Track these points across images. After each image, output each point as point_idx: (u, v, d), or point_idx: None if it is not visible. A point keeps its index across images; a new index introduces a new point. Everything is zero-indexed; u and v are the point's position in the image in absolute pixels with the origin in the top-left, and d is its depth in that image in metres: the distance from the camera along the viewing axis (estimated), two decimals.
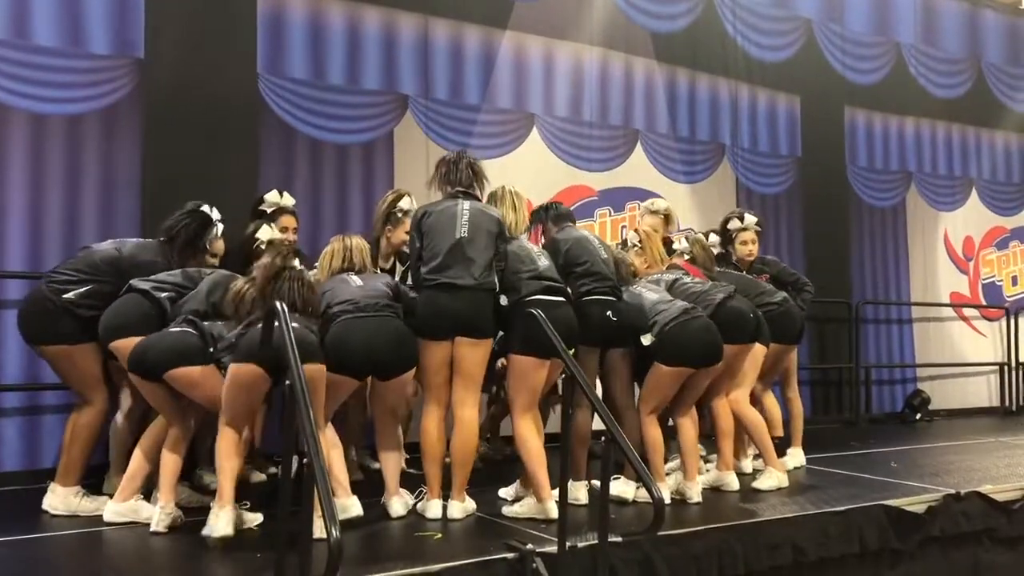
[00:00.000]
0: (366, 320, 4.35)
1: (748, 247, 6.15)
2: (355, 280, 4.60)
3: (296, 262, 4.35)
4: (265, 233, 5.10)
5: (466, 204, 4.62)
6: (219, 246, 5.01)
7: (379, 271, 5.19)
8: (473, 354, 4.50)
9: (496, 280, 4.58)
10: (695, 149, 8.49)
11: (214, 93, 6.08)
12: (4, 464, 5.36)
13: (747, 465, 5.87)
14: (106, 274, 4.56)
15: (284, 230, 5.38)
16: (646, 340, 4.89)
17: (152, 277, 4.48)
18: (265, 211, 5.43)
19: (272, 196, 5.50)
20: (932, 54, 10.34)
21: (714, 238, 6.19)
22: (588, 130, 7.81)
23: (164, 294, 4.41)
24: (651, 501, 3.51)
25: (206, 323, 4.24)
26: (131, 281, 4.46)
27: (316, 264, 4.94)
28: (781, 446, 5.94)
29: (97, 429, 4.63)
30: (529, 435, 4.51)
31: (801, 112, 9.26)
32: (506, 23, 7.38)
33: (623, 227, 7.85)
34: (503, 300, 4.56)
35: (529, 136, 7.48)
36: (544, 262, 4.72)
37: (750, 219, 6.12)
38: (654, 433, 4.92)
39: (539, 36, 7.55)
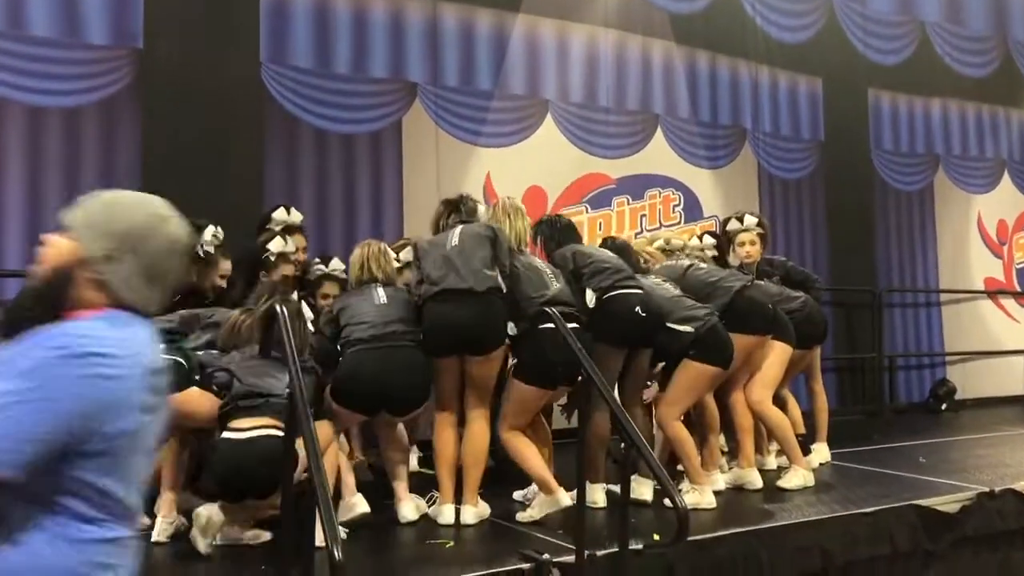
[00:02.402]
0: (380, 352, 4.17)
1: (746, 248, 5.72)
2: (379, 295, 4.40)
3: (295, 297, 4.27)
4: (277, 245, 4.84)
5: (459, 227, 4.47)
6: (225, 266, 4.78)
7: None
8: (483, 370, 4.33)
9: (502, 281, 4.36)
10: (717, 134, 8.25)
11: (215, 83, 5.91)
12: None
13: (771, 461, 5.66)
14: None
15: (295, 252, 5.08)
16: (686, 328, 4.66)
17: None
18: (274, 231, 5.06)
19: (279, 214, 5.19)
20: (957, 32, 10.01)
21: (709, 240, 5.92)
22: (604, 116, 7.58)
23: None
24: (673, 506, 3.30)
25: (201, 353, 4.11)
26: None
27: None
28: (805, 442, 5.73)
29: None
30: (519, 442, 4.35)
31: (823, 94, 8.98)
32: (518, 6, 7.16)
33: (642, 215, 7.63)
34: (511, 329, 4.33)
35: (543, 123, 7.26)
36: (556, 284, 4.48)
37: (750, 220, 5.78)
38: (683, 433, 4.71)
39: (552, 19, 7.33)
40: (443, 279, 4.23)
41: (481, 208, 4.71)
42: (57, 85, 5.46)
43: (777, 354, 5.21)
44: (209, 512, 3.71)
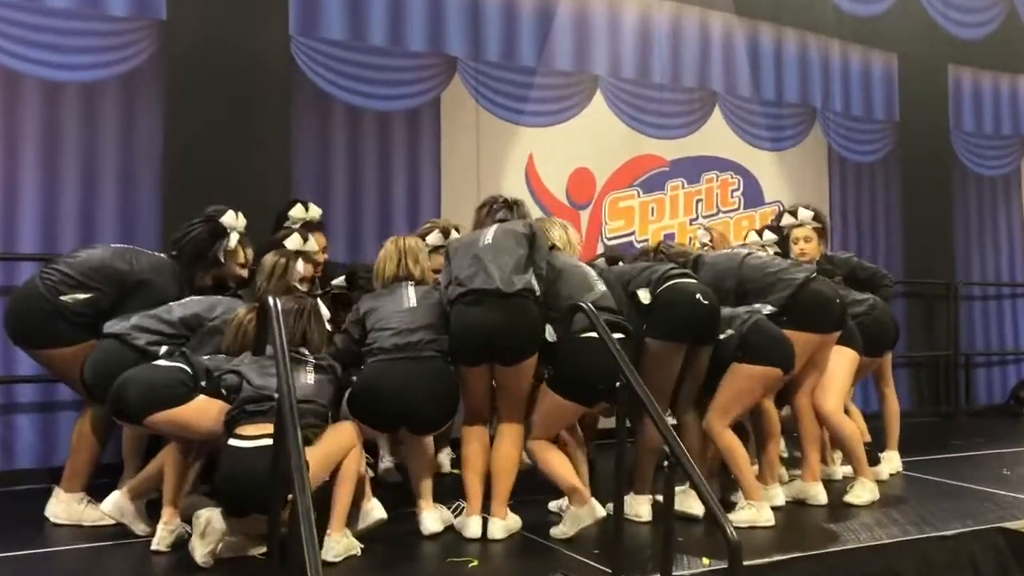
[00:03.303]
0: (402, 364, 3.82)
1: (800, 246, 5.24)
2: (409, 296, 4.04)
3: (320, 304, 3.96)
4: (294, 243, 4.46)
5: (495, 226, 4.09)
6: (246, 255, 4.45)
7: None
8: (514, 380, 3.93)
9: (536, 284, 3.93)
10: (782, 113, 7.68)
11: (242, 57, 5.57)
12: (19, 461, 5.01)
13: (837, 471, 5.16)
14: (110, 285, 4.08)
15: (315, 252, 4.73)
16: (766, 309, 4.30)
17: (134, 322, 3.94)
18: (292, 228, 4.67)
19: (297, 211, 4.82)
20: None
21: (769, 236, 5.41)
22: (659, 93, 7.06)
23: (143, 340, 3.90)
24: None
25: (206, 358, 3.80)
26: (106, 325, 3.96)
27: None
28: (873, 449, 5.22)
29: (103, 432, 4.18)
30: (543, 447, 3.98)
31: (899, 72, 8.34)
32: None
33: (698, 200, 7.12)
34: (549, 334, 3.91)
35: (592, 101, 6.78)
36: (601, 287, 4.06)
37: (805, 214, 5.23)
38: (735, 443, 4.23)
39: None
40: (471, 279, 3.83)
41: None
42: (75, 59, 5.17)
43: (846, 360, 4.74)
44: (210, 515, 3.39)
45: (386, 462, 5.11)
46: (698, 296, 4.14)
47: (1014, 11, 9.04)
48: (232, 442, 3.43)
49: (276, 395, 3.45)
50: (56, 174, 5.13)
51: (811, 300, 4.42)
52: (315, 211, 4.95)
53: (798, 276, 4.48)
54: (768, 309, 4.39)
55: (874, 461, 5.14)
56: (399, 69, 6.07)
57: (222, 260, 4.30)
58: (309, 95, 5.80)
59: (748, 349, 4.18)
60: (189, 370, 3.70)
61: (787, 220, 5.34)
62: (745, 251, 4.69)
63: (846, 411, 4.98)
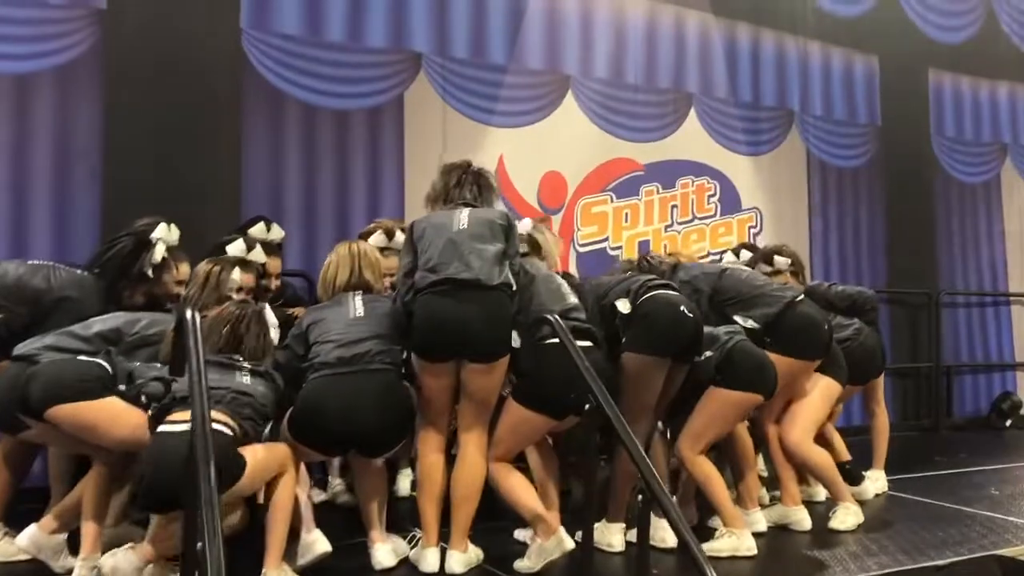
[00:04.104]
0: (347, 380, 3.47)
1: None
2: (355, 306, 3.70)
3: (267, 309, 3.64)
4: (236, 249, 4.13)
5: (466, 209, 3.73)
6: (182, 271, 4.07)
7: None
8: (485, 380, 3.56)
9: (512, 279, 3.63)
10: (759, 116, 7.42)
11: (189, 51, 5.21)
12: None
13: (820, 492, 4.87)
14: (23, 304, 3.69)
15: (266, 276, 4.35)
16: (747, 323, 4.04)
17: (47, 342, 3.49)
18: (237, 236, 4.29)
19: (257, 231, 4.46)
20: None
21: (746, 254, 5.13)
22: (632, 94, 6.77)
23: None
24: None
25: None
26: (17, 347, 3.52)
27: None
28: (858, 467, 4.97)
29: (17, 461, 3.76)
30: (505, 473, 3.65)
31: (880, 75, 8.11)
32: None
33: (673, 206, 6.83)
34: (514, 340, 3.59)
35: (564, 101, 6.48)
36: (573, 300, 3.81)
37: (781, 261, 4.95)
38: (709, 470, 3.96)
39: None
40: (445, 266, 3.50)
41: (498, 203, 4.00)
42: (6, 48, 4.80)
43: (823, 391, 4.48)
44: (114, 562, 3.03)
45: (336, 486, 4.76)
46: (682, 308, 3.86)
47: (992, 15, 8.87)
48: (161, 428, 3.09)
49: (214, 386, 3.17)
50: None
51: (797, 323, 4.15)
52: (277, 232, 4.59)
53: (786, 295, 4.20)
54: (750, 323, 4.11)
55: (857, 479, 4.89)
56: (359, 66, 5.74)
57: (149, 275, 3.91)
58: (261, 92, 5.45)
59: (727, 372, 3.90)
60: (109, 369, 3.37)
61: (763, 268, 5.00)
62: (724, 265, 4.42)
63: (821, 435, 4.71)
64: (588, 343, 3.65)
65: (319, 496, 4.75)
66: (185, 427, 2.92)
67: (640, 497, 2.68)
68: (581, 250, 6.44)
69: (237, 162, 5.32)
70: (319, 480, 4.84)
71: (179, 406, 3.11)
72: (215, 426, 2.96)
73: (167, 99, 5.13)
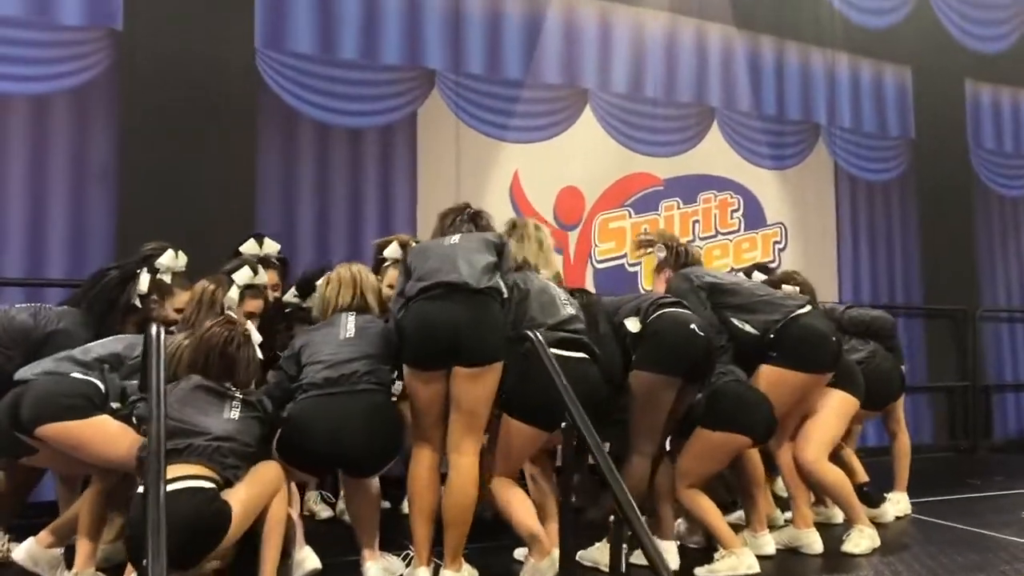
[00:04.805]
0: (334, 400, 3.43)
1: None
2: (347, 327, 3.67)
3: (251, 328, 3.57)
4: (243, 277, 4.06)
5: (461, 234, 3.73)
6: (181, 299, 4.00)
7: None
8: (475, 388, 3.47)
9: (503, 286, 3.59)
10: (784, 130, 7.29)
11: (204, 70, 5.29)
12: None
13: (836, 514, 4.71)
14: (15, 344, 3.65)
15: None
16: (745, 327, 3.94)
17: (45, 367, 3.47)
18: (242, 261, 4.22)
19: (249, 247, 4.48)
20: None
21: (759, 276, 4.99)
22: (652, 108, 6.70)
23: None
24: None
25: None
26: (17, 373, 3.49)
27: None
28: (878, 488, 4.80)
29: (26, 474, 3.82)
30: (510, 493, 3.56)
31: (913, 86, 7.92)
32: None
33: (695, 221, 6.73)
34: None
35: (581, 116, 6.44)
36: (569, 311, 3.71)
37: (789, 290, 4.74)
38: (700, 499, 3.85)
39: (594, 0, 6.50)
40: (435, 273, 3.47)
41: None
42: (24, 70, 4.91)
43: (837, 407, 4.29)
44: None
45: (342, 500, 4.74)
46: (693, 327, 3.77)
47: None
48: (142, 488, 3.07)
49: (196, 430, 3.18)
50: (2, 192, 4.85)
51: (801, 335, 3.99)
52: (271, 246, 4.59)
53: (791, 306, 4.08)
54: (748, 328, 4.00)
55: (877, 501, 4.72)
56: (372, 83, 5.77)
57: (137, 304, 3.88)
58: (275, 111, 5.50)
59: (711, 413, 3.79)
60: (102, 387, 3.36)
61: None
62: (726, 276, 4.32)
63: (837, 454, 4.56)
64: (582, 355, 3.59)
65: (325, 513, 4.75)
66: (169, 488, 2.88)
67: (612, 518, 2.60)
68: (599, 266, 6.37)
69: (251, 180, 5.37)
70: (325, 497, 4.83)
71: (167, 458, 3.09)
72: (196, 483, 2.99)
73: (182, 118, 5.20)
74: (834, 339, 4.11)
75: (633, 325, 3.82)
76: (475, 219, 3.88)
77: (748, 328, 4.02)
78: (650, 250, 4.54)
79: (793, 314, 4.04)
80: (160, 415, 2.30)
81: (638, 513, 2.60)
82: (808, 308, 4.13)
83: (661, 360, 3.74)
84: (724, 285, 4.16)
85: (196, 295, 3.81)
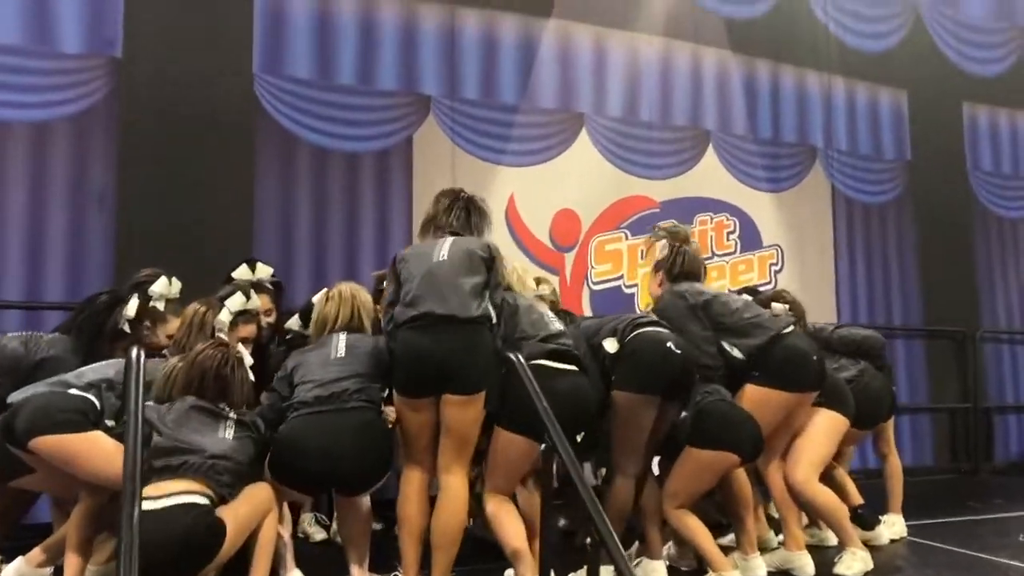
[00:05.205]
0: (324, 418, 3.46)
1: None
2: (338, 346, 3.71)
3: (242, 350, 3.63)
4: (236, 303, 4.09)
5: (451, 238, 3.71)
6: (173, 325, 3.99)
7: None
8: (464, 414, 3.50)
9: (492, 312, 3.62)
10: (780, 152, 7.33)
11: (203, 96, 5.36)
12: None
13: (830, 536, 4.69)
14: (5, 373, 3.67)
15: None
16: (735, 351, 3.92)
17: (39, 391, 3.50)
18: (236, 287, 4.25)
19: (242, 272, 4.52)
20: None
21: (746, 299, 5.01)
22: (647, 131, 6.76)
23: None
24: None
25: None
26: (11, 396, 3.49)
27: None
28: (873, 510, 4.78)
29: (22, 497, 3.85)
30: (502, 512, 3.54)
31: (909, 109, 7.96)
32: (549, 11, 6.45)
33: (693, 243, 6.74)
34: None
35: (577, 139, 6.49)
36: (557, 326, 3.75)
37: (779, 308, 4.67)
38: (690, 521, 3.84)
39: (588, 25, 6.59)
40: (421, 301, 3.49)
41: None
42: (24, 97, 4.99)
43: (827, 426, 4.29)
44: None
45: (308, 523, 4.77)
46: (669, 345, 3.80)
47: None
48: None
49: (191, 449, 3.21)
50: (2, 216, 4.92)
51: (783, 355, 3.99)
52: (263, 271, 4.62)
53: (773, 327, 4.08)
54: (737, 352, 4.02)
55: (872, 523, 4.69)
56: (369, 109, 5.84)
57: (126, 330, 3.90)
58: (273, 135, 5.57)
59: (699, 432, 3.79)
60: (96, 404, 3.38)
61: None
62: (710, 292, 4.31)
63: (831, 475, 4.55)
64: (571, 367, 3.61)
65: (319, 535, 4.76)
66: (165, 503, 2.98)
67: (589, 541, 2.61)
68: (595, 288, 6.40)
69: (249, 204, 5.43)
70: (319, 519, 4.84)
71: (156, 475, 3.10)
72: (191, 499, 3.02)
73: (180, 143, 5.26)
74: (816, 358, 4.11)
75: (611, 346, 3.85)
76: (469, 205, 3.86)
77: (736, 353, 4.03)
78: (653, 241, 4.54)
79: (774, 335, 4.05)
80: (137, 436, 2.32)
81: (614, 535, 2.61)
82: (792, 328, 4.14)
83: (639, 379, 3.76)
84: (717, 307, 4.17)
85: (187, 317, 3.84)
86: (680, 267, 4.32)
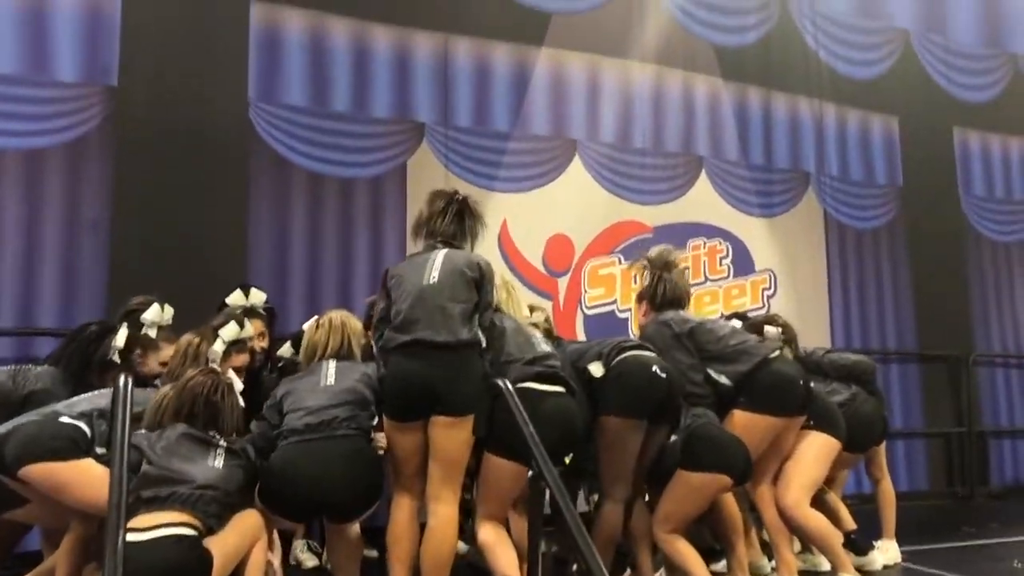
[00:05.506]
0: (314, 446, 3.44)
1: None
2: (328, 373, 3.70)
3: (232, 376, 3.61)
4: (230, 333, 4.05)
5: (443, 252, 3.70)
6: (165, 353, 3.99)
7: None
8: (453, 437, 3.51)
9: (481, 336, 3.63)
10: (772, 178, 7.37)
11: (198, 123, 5.39)
12: None
13: (823, 561, 4.68)
14: None
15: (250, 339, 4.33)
16: (721, 378, 3.93)
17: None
18: (230, 316, 4.21)
19: (235, 298, 4.52)
20: None
21: (736, 324, 5.02)
22: (640, 158, 6.80)
23: None
24: None
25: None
26: None
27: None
28: (866, 535, 4.76)
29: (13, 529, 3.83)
30: (494, 539, 3.53)
31: (901, 135, 8.02)
32: (542, 40, 6.51)
33: (685, 268, 6.76)
34: None
35: (570, 166, 6.53)
36: (544, 348, 3.76)
37: (772, 331, 4.67)
38: (683, 547, 3.83)
39: (580, 53, 6.65)
40: (411, 326, 3.50)
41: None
42: (20, 126, 5.02)
43: (818, 449, 4.28)
44: None
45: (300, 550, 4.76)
46: (655, 368, 3.81)
47: (1019, 74, 8.75)
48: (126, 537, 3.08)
49: (179, 479, 3.21)
50: None
51: (770, 380, 4.02)
52: (257, 296, 4.61)
53: (758, 352, 4.10)
54: (724, 379, 4.03)
55: (864, 549, 4.69)
56: (363, 135, 5.88)
57: (115, 360, 3.88)
58: (267, 162, 5.59)
59: (690, 455, 3.80)
60: (87, 432, 3.35)
61: None
62: (695, 319, 4.33)
63: (823, 500, 4.54)
64: (559, 388, 3.62)
65: (311, 562, 4.74)
66: (152, 535, 2.95)
67: (575, 567, 2.61)
68: (589, 312, 6.42)
69: (243, 230, 5.44)
70: (311, 547, 4.83)
71: (144, 506, 3.08)
72: (178, 531, 3.00)
73: (175, 171, 5.29)
74: (803, 382, 4.12)
75: (596, 370, 3.86)
76: (463, 208, 3.83)
77: (723, 379, 4.04)
78: (634, 272, 4.55)
79: (761, 360, 4.06)
80: (123, 466, 2.32)
81: (601, 564, 2.61)
82: (778, 352, 4.16)
83: (626, 403, 3.78)
84: (702, 336, 4.18)
85: (181, 348, 3.84)
86: (663, 295, 4.33)
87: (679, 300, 4.36)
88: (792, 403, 4.06)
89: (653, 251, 4.59)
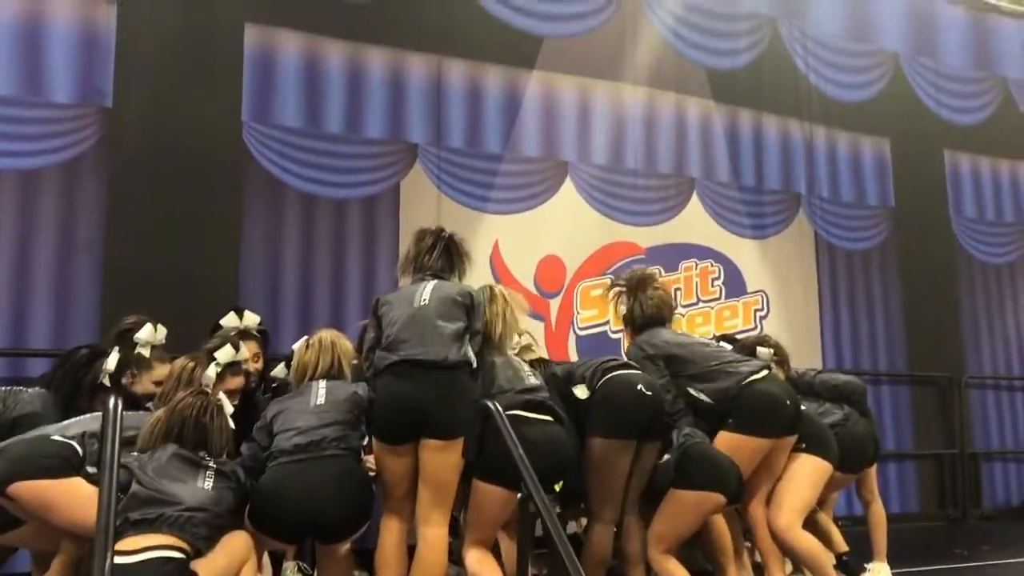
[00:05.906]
0: (303, 467, 3.44)
1: None
2: (318, 394, 3.71)
3: (222, 397, 3.61)
4: (225, 356, 4.05)
5: (432, 282, 3.76)
6: (159, 373, 3.99)
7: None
8: (443, 460, 3.53)
9: (472, 356, 3.65)
10: (763, 200, 7.42)
11: (192, 144, 5.40)
12: None
13: None
14: None
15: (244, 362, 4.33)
16: (701, 396, 3.95)
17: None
18: (224, 338, 4.21)
19: (230, 320, 4.53)
20: None
21: (725, 347, 5.02)
22: (632, 179, 6.84)
23: None
24: None
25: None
26: None
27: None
28: (858, 558, 4.76)
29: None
30: (481, 564, 3.53)
31: (892, 157, 8.09)
32: (533, 63, 6.56)
33: (677, 289, 6.81)
34: None
35: (562, 187, 6.57)
36: (533, 380, 3.80)
37: (764, 352, 4.70)
38: (674, 568, 3.84)
39: (572, 76, 6.70)
40: (401, 345, 3.52)
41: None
42: (14, 146, 5.04)
43: (810, 471, 4.29)
44: None
45: (291, 571, 4.73)
46: (640, 387, 3.83)
47: (1009, 98, 8.84)
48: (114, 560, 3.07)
49: (168, 500, 3.20)
50: None
51: (756, 401, 4.03)
52: (251, 319, 4.62)
53: (744, 371, 4.11)
54: (704, 397, 4.04)
55: (857, 571, 4.68)
56: (356, 156, 5.90)
57: (106, 383, 3.88)
58: (261, 183, 5.61)
59: (683, 473, 3.82)
60: (79, 450, 3.33)
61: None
62: (679, 336, 4.36)
63: (815, 522, 4.54)
64: (548, 417, 3.64)
65: None
66: (140, 557, 2.93)
67: None
68: (581, 333, 6.43)
69: (237, 250, 5.45)
70: (302, 568, 4.80)
71: (132, 528, 3.05)
72: (165, 553, 2.98)
73: (169, 191, 5.30)
74: (790, 403, 4.13)
75: (581, 392, 3.88)
76: (450, 245, 3.94)
77: (703, 397, 4.06)
78: (612, 299, 4.58)
79: (747, 380, 4.06)
80: (112, 488, 2.33)
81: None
82: (764, 373, 4.17)
83: (613, 424, 3.80)
84: (679, 355, 4.19)
85: (175, 372, 3.84)
86: (641, 317, 4.36)
87: (659, 316, 4.36)
88: (780, 424, 4.07)
89: (624, 275, 4.63)
